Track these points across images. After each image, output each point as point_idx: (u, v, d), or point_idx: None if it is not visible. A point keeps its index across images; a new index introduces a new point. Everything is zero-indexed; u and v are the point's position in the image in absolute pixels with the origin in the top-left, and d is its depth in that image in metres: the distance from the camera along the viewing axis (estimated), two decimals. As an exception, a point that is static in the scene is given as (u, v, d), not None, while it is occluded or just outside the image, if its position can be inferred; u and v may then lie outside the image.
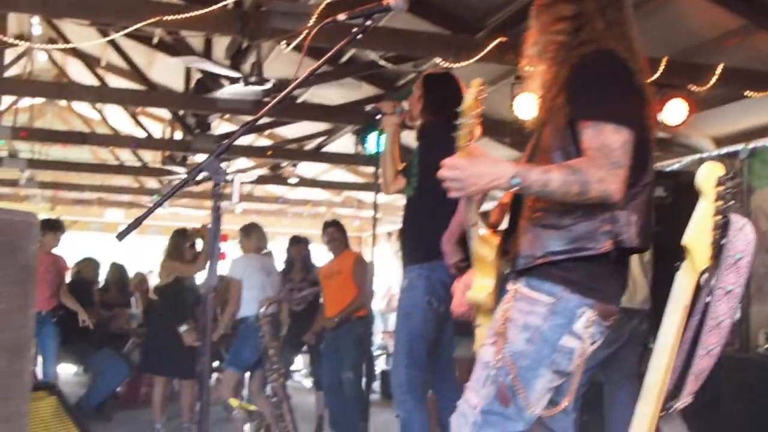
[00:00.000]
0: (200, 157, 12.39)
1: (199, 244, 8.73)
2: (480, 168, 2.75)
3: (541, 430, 3.23)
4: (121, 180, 18.39)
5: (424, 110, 5.16)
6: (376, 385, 12.02)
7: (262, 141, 14.84)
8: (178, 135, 13.23)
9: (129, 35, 8.46)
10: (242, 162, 15.64)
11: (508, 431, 2.93)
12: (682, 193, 6.71)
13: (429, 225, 4.91)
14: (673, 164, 9.75)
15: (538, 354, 2.86)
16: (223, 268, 8.82)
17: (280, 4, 6.71)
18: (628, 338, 6.09)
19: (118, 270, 11.65)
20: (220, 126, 13.66)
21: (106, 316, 10.50)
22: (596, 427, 6.53)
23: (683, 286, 2.56)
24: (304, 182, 16.05)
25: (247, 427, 4.94)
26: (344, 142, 12.52)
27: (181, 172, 13.62)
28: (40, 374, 8.88)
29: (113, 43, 10.46)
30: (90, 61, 12.23)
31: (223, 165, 2.85)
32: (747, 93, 7.50)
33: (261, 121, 2.71)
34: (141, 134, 13.38)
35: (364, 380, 7.60)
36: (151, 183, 17.97)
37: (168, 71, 11.73)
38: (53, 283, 9.21)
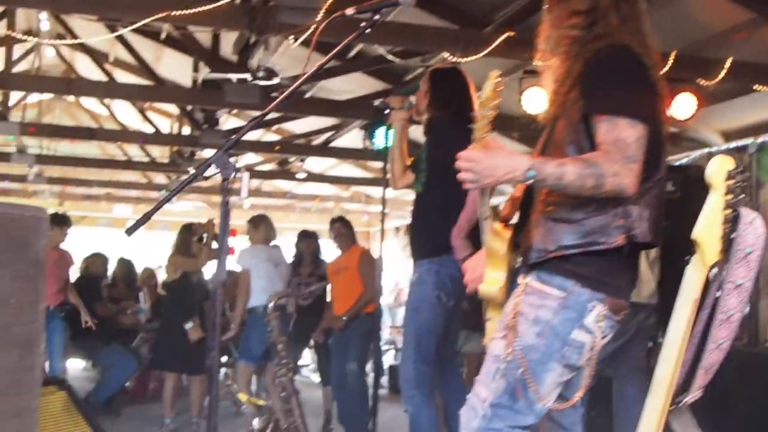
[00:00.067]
0: (208, 153, 12.41)
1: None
2: (495, 160, 2.76)
3: (550, 424, 3.24)
4: (129, 175, 18.40)
5: (430, 105, 5.17)
6: (384, 380, 12.02)
7: (270, 136, 14.84)
8: (186, 130, 13.25)
9: (137, 31, 8.47)
10: (250, 157, 15.64)
11: (517, 425, 2.93)
12: (691, 188, 6.69)
13: (438, 220, 4.93)
14: (681, 158, 9.72)
15: (548, 348, 2.86)
16: (231, 263, 8.83)
17: (287, -2, 6.73)
18: (635, 332, 6.08)
19: (125, 265, 11.66)
20: (228, 121, 13.66)
21: (114, 311, 10.51)
22: (604, 422, 6.52)
23: (693, 279, 2.55)
24: (312, 177, 16.05)
25: (256, 421, 4.95)
26: (352, 137, 12.51)
27: (189, 168, 13.63)
28: (47, 369, 8.90)
29: (121, 39, 10.47)
30: (98, 57, 12.24)
31: (232, 160, 2.85)
32: (756, 87, 7.48)
33: (269, 117, 2.72)
34: (149, 130, 13.40)
35: (372, 375, 7.59)
36: (159, 178, 17.98)
37: (176, 66, 11.76)
38: (60, 278, 9.22)
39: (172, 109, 14.25)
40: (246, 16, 6.72)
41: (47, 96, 15.55)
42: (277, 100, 3.06)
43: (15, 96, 13.22)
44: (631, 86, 2.84)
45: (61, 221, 9.34)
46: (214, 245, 8.64)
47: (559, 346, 2.86)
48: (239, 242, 9.79)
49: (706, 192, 2.53)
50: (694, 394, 2.61)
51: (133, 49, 11.12)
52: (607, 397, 6.27)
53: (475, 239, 4.63)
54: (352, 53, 9.38)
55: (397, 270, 18.27)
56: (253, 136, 13.75)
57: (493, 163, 2.75)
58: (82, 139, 14.23)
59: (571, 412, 3.15)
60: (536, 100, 7.30)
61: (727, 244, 2.50)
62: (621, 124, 2.74)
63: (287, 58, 8.87)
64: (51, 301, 8.83)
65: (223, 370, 10.71)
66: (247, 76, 8.10)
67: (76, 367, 12.16)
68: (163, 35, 10.55)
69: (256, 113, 8.37)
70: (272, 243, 9.11)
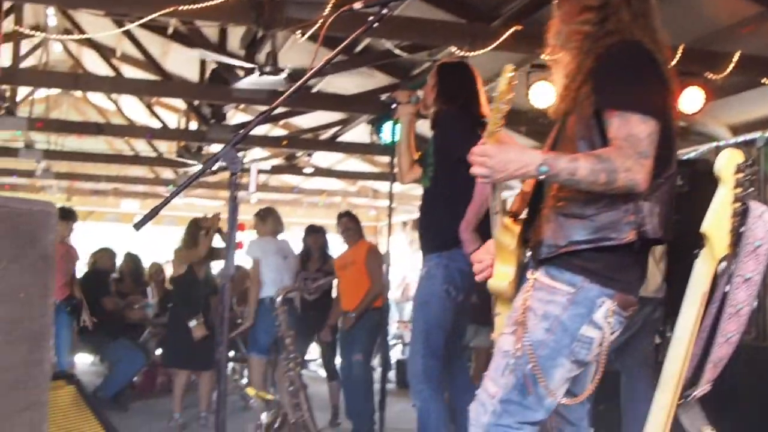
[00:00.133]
0: (215, 148, 12.43)
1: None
2: (508, 155, 2.76)
3: (557, 419, 3.23)
4: (136, 170, 18.42)
5: (437, 99, 5.16)
6: (392, 374, 12.03)
7: (277, 131, 14.84)
8: (194, 125, 13.25)
9: (144, 25, 8.46)
10: (257, 152, 15.65)
11: (527, 420, 2.93)
12: (699, 182, 6.68)
13: (446, 214, 4.93)
14: (689, 152, 9.71)
15: (557, 343, 2.87)
16: (239, 258, 8.84)
17: (295, -7, 6.72)
18: (641, 326, 6.08)
19: (132, 260, 11.67)
20: (235, 116, 13.67)
21: (122, 305, 10.53)
22: (612, 416, 6.52)
23: (702, 273, 2.55)
24: (319, 172, 16.05)
25: (264, 415, 4.95)
26: (359, 132, 12.51)
27: (196, 163, 13.64)
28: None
29: (128, 34, 10.49)
30: (105, 52, 12.25)
31: (240, 155, 2.85)
32: (764, 81, 7.47)
33: (276, 111, 2.72)
34: (156, 125, 13.40)
35: (379, 370, 7.60)
36: (167, 173, 17.99)
37: (183, 61, 11.76)
38: (67, 273, 9.23)
39: (180, 104, 14.24)
40: (253, 11, 6.72)
41: (55, 91, 15.56)
42: (285, 95, 3.05)
43: (23, 91, 13.24)
44: (643, 82, 2.84)
45: (67, 216, 9.35)
46: (218, 239, 8.67)
47: (568, 342, 2.87)
48: (247, 237, 9.79)
49: (714, 186, 2.53)
50: (702, 388, 2.61)
51: (140, 44, 11.12)
52: (615, 391, 6.27)
53: (483, 232, 4.63)
54: (359, 48, 9.37)
55: (405, 265, 18.27)
56: (260, 131, 13.76)
57: (506, 158, 2.75)
58: (90, 135, 14.25)
59: (578, 407, 3.15)
60: (544, 94, 7.30)
61: (736, 237, 2.49)
62: (633, 119, 2.74)
63: (294, 52, 8.87)
64: (57, 295, 8.83)
65: (230, 365, 10.72)
66: (254, 67, 8.09)
67: (84, 361, 12.19)
68: (170, 30, 10.54)
69: (264, 108, 8.38)
70: (280, 237, 9.11)
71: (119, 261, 11.36)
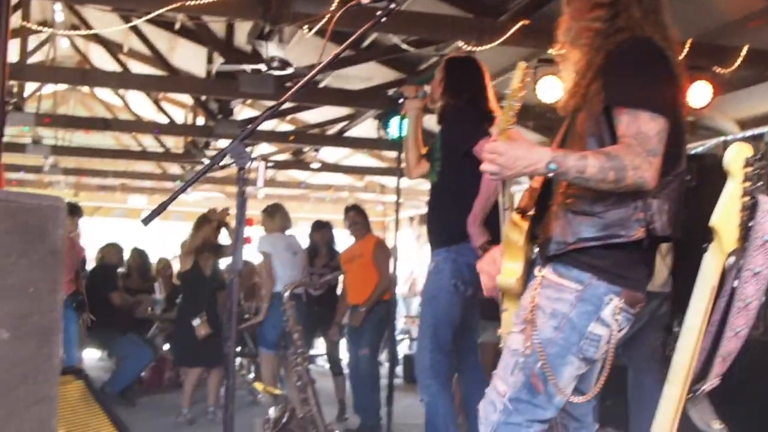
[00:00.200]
0: (222, 143, 12.44)
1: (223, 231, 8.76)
2: (518, 152, 2.75)
3: (561, 415, 3.23)
4: (143, 166, 18.46)
5: (444, 93, 5.15)
6: (399, 369, 12.03)
7: (284, 126, 14.86)
8: (201, 120, 13.28)
9: (151, 21, 8.49)
10: (264, 147, 15.67)
11: (536, 418, 2.93)
12: (707, 176, 6.66)
13: (453, 208, 4.92)
14: (697, 147, 9.70)
15: (566, 341, 2.86)
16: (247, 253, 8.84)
17: (302, -12, 6.72)
18: (648, 321, 6.07)
19: (139, 255, 11.67)
20: (242, 111, 13.68)
21: (130, 303, 10.54)
22: (619, 411, 6.52)
23: (711, 267, 2.54)
24: (326, 167, 16.06)
25: (272, 410, 4.96)
26: (366, 127, 12.51)
27: (203, 158, 13.66)
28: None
29: (135, 29, 10.49)
30: (112, 48, 12.28)
31: (248, 150, 2.85)
32: (772, 75, 7.46)
33: (283, 107, 2.72)
34: (163, 120, 13.42)
35: (387, 365, 7.61)
36: (174, 169, 18.03)
37: (190, 57, 11.77)
38: (72, 268, 9.23)
39: (187, 99, 14.28)
40: (260, 6, 6.72)
41: (62, 87, 15.60)
42: (292, 90, 3.05)
43: (30, 87, 13.27)
44: (654, 79, 2.83)
45: (73, 211, 9.36)
46: (224, 236, 8.68)
47: (576, 340, 2.86)
48: (255, 232, 9.79)
49: (722, 180, 2.52)
50: (711, 382, 2.61)
51: (148, 40, 11.14)
52: (622, 386, 6.26)
53: (490, 226, 4.63)
54: (367, 42, 9.37)
55: (412, 259, 18.28)
56: (267, 126, 13.76)
57: (515, 155, 2.74)
58: (97, 130, 14.29)
59: (582, 403, 3.14)
60: (551, 89, 7.28)
61: (745, 231, 2.49)
62: (642, 117, 2.73)
63: (301, 47, 8.87)
64: (64, 290, 8.83)
65: (238, 360, 10.73)
66: (262, 66, 8.09)
67: (91, 357, 12.21)
68: (177, 25, 10.56)
69: (271, 103, 8.38)
70: (287, 233, 9.12)
71: (126, 256, 11.36)
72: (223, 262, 9.03)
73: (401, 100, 5.38)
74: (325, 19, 6.36)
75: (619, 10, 2.95)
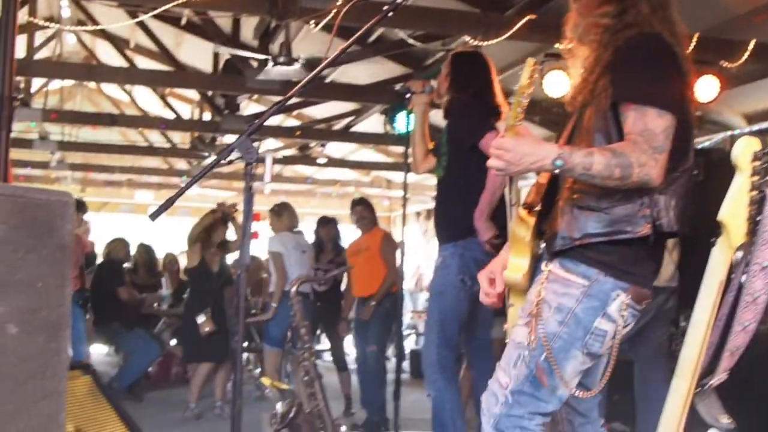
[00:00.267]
0: (229, 138, 12.44)
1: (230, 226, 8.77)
2: (525, 148, 2.75)
3: (566, 410, 3.23)
4: (150, 161, 18.49)
5: (450, 88, 5.16)
6: (406, 364, 12.05)
7: (290, 121, 14.85)
8: (207, 116, 13.28)
9: (157, 16, 8.48)
10: (271, 142, 15.68)
11: (538, 411, 2.94)
12: (713, 171, 6.66)
13: (460, 203, 4.93)
14: (704, 141, 9.67)
15: (570, 336, 2.86)
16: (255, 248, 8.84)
17: (308, -17, 6.71)
18: (655, 315, 6.07)
19: (146, 251, 11.69)
20: (248, 107, 13.69)
21: (137, 300, 10.56)
22: (626, 406, 6.51)
23: (719, 261, 2.54)
24: (333, 162, 16.07)
25: (279, 405, 4.96)
26: (372, 122, 12.51)
27: (210, 153, 13.67)
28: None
29: (142, 25, 10.50)
30: (119, 43, 12.27)
31: (255, 145, 2.85)
32: (779, 69, 7.44)
33: (289, 102, 2.72)
34: (170, 115, 13.43)
35: (394, 360, 7.63)
36: (181, 164, 18.05)
37: (196, 52, 11.77)
38: (77, 264, 9.25)
39: (193, 94, 14.29)
40: (267, 1, 6.72)
41: (69, 82, 15.60)
42: (299, 85, 3.05)
43: (37, 83, 13.28)
44: (662, 75, 2.82)
45: (77, 207, 9.36)
46: (230, 231, 8.69)
47: (581, 335, 2.87)
48: (262, 227, 9.80)
49: (729, 175, 2.51)
50: (719, 377, 2.60)
51: (154, 35, 11.15)
52: (629, 381, 6.26)
53: (497, 221, 4.64)
54: (373, 37, 9.36)
55: (418, 254, 18.28)
56: (273, 121, 13.78)
57: (521, 151, 2.74)
58: (104, 126, 14.31)
59: (588, 398, 3.14)
60: (558, 84, 7.26)
61: (753, 225, 2.48)
62: (650, 113, 2.73)
63: (308, 42, 8.87)
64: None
65: (245, 355, 10.74)
66: (268, 57, 8.09)
67: (99, 352, 12.24)
68: (183, 21, 10.56)
69: (277, 98, 8.38)
70: (296, 228, 9.12)
71: (133, 252, 11.38)
72: (230, 258, 9.04)
73: (408, 95, 5.38)
74: (331, 14, 6.36)
75: (627, 6, 2.95)
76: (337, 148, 15.84)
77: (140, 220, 18.70)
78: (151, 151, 16.61)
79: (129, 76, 11.28)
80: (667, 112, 2.74)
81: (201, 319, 8.32)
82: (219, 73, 10.54)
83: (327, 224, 9.48)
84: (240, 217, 7.95)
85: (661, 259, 3.02)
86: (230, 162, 2.94)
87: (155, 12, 7.11)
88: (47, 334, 2.38)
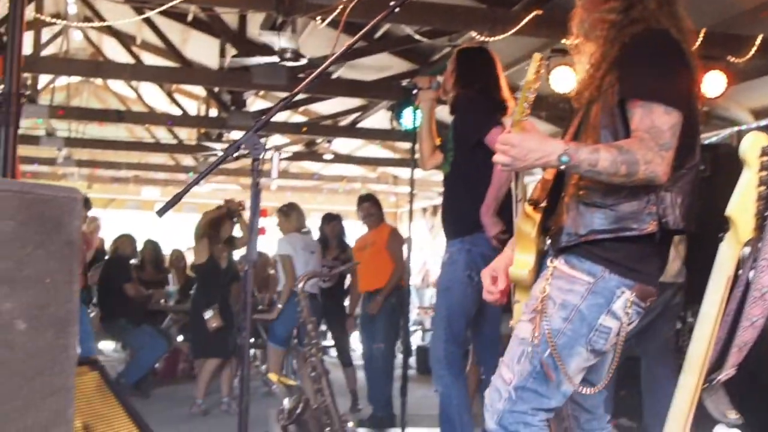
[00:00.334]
0: (235, 134, 12.45)
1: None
2: (530, 144, 2.74)
3: (572, 406, 3.23)
4: (156, 158, 18.51)
5: (456, 83, 5.16)
6: (412, 360, 12.05)
7: (296, 117, 14.87)
8: (214, 112, 13.29)
9: (164, 13, 8.49)
10: (277, 138, 15.69)
11: (541, 407, 2.93)
12: (721, 166, 6.66)
13: (467, 199, 4.93)
14: (711, 137, 9.67)
15: (575, 333, 2.86)
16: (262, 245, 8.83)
17: (315, -21, 6.71)
18: (662, 311, 6.07)
19: (153, 247, 11.71)
20: (255, 103, 13.70)
21: (145, 296, 10.57)
22: (633, 401, 6.52)
23: (727, 256, 2.53)
24: (339, 158, 16.07)
25: (286, 401, 4.96)
26: (379, 118, 12.51)
27: (216, 149, 13.68)
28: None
29: (148, 21, 10.50)
30: (125, 40, 12.29)
31: (262, 141, 2.85)
32: (787, 65, 7.42)
33: (296, 98, 2.71)
34: (176, 112, 13.45)
35: (401, 356, 7.64)
36: (187, 160, 18.07)
37: (203, 48, 11.78)
38: (82, 261, 9.27)
39: (199, 90, 14.30)
40: (273, -3, 6.72)
41: (75, 79, 15.65)
42: (306, 81, 3.04)
43: (44, 79, 13.30)
44: (669, 72, 2.82)
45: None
46: (237, 229, 8.70)
47: (586, 332, 2.86)
48: (269, 222, 9.79)
49: (737, 170, 2.51)
50: (727, 372, 2.60)
51: (160, 32, 11.15)
52: (635, 377, 6.27)
53: (504, 215, 4.64)
54: (379, 33, 9.36)
55: (425, 250, 18.28)
56: (280, 117, 13.73)
57: (527, 147, 2.73)
58: (111, 122, 14.33)
59: (594, 394, 3.14)
60: (565, 80, 7.25)
61: (762, 221, 2.48)
62: (657, 110, 2.72)
63: (314, 38, 8.87)
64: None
65: (251, 351, 10.75)
66: (275, 59, 8.09)
67: (106, 348, 12.26)
68: (189, 17, 10.57)
69: (284, 94, 8.38)
70: (304, 228, 9.11)
71: (140, 248, 11.39)
72: (237, 254, 9.04)
73: (414, 91, 5.38)
74: (338, 10, 6.36)
75: (633, 1, 2.94)
76: (343, 144, 15.84)
77: (147, 217, 18.74)
78: (157, 147, 16.64)
79: (135, 72, 11.30)
80: (674, 109, 2.73)
81: (208, 314, 8.33)
82: (225, 69, 10.54)
83: (331, 221, 9.47)
84: (246, 215, 7.96)
85: (667, 257, 3.01)
86: (237, 158, 2.94)
87: (162, 8, 7.11)
88: (55, 330, 2.38)
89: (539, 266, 3.09)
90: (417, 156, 5.51)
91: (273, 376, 6.36)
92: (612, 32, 2.94)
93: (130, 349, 10.56)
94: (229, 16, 9.96)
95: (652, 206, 2.80)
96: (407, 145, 5.96)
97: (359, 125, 13.16)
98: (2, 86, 3.73)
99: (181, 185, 10.55)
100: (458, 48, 5.52)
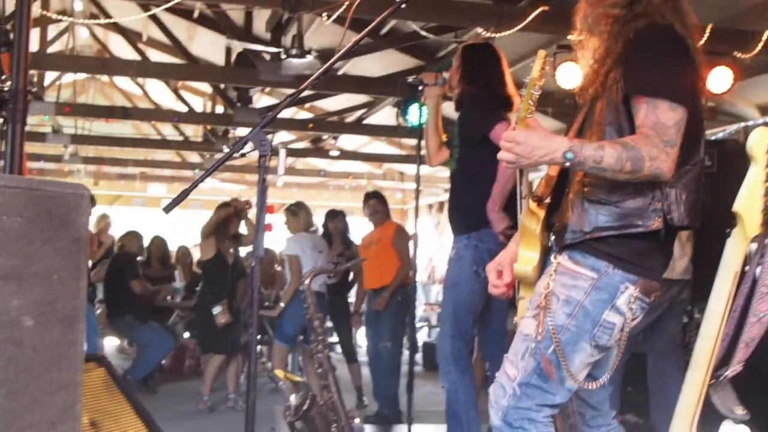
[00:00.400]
0: (241, 131, 12.46)
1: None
2: (535, 141, 2.73)
3: (578, 402, 3.23)
4: (163, 154, 18.52)
5: (461, 80, 5.16)
6: (418, 357, 12.05)
7: (302, 114, 14.86)
8: (220, 109, 13.31)
9: (170, 9, 8.49)
10: (283, 135, 15.69)
11: (546, 403, 2.93)
12: (727, 162, 6.65)
13: (473, 195, 4.93)
14: (717, 132, 9.65)
15: (579, 328, 2.86)
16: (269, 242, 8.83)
17: (321, -25, 6.71)
18: (668, 307, 6.06)
19: (159, 243, 11.72)
20: (261, 99, 13.70)
21: (151, 291, 10.58)
22: (639, 397, 6.51)
23: (734, 252, 2.53)
24: (345, 155, 16.06)
25: (293, 397, 4.96)
26: (385, 114, 12.51)
27: (222, 146, 13.69)
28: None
29: (154, 18, 10.51)
30: (131, 36, 12.30)
31: (268, 137, 2.85)
32: (793, 60, 7.40)
33: (302, 94, 2.69)
34: (182, 108, 13.45)
35: (407, 352, 7.63)
36: (193, 157, 18.08)
37: (209, 45, 11.78)
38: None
39: (206, 87, 14.31)
40: (279, -6, 6.72)
41: (81, 76, 15.65)
42: (312, 78, 3.05)
43: (50, 76, 13.32)
44: (673, 68, 2.81)
45: (87, 201, 9.38)
46: (243, 226, 8.71)
47: (589, 327, 2.86)
48: (275, 219, 9.80)
49: (743, 165, 2.51)
50: (734, 368, 2.60)
51: (166, 28, 11.16)
52: (642, 373, 6.26)
53: (510, 211, 4.63)
54: (385, 30, 9.35)
55: (431, 247, 18.28)
56: (285, 114, 13.77)
57: (532, 144, 2.73)
58: (117, 119, 14.33)
59: (599, 390, 3.13)
60: (571, 76, 7.24)
61: (769, 216, 2.48)
62: (661, 106, 2.72)
63: (320, 35, 8.87)
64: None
65: (258, 348, 10.75)
66: (281, 51, 8.09)
67: (112, 344, 12.28)
68: (195, 13, 10.57)
69: (290, 91, 8.38)
70: (312, 227, 9.11)
71: (146, 245, 11.41)
72: (243, 251, 9.05)
73: (420, 88, 5.38)
74: (344, 7, 6.35)
75: None
76: (349, 141, 15.84)
77: (153, 213, 18.77)
78: (163, 144, 16.63)
79: (141, 69, 11.31)
80: (678, 106, 2.73)
81: (217, 309, 8.34)
82: (231, 66, 10.54)
83: (335, 217, 9.46)
84: (253, 213, 7.97)
85: (671, 252, 3.01)
86: (243, 155, 2.94)
87: (168, 5, 7.11)
88: (63, 327, 2.39)
89: (543, 263, 3.09)
90: (423, 152, 5.51)
91: (279, 373, 6.36)
92: (616, 27, 2.93)
93: (136, 346, 10.58)
94: (235, 13, 9.97)
95: (657, 203, 2.79)
96: (413, 141, 5.95)
97: (365, 122, 13.15)
98: (9, 83, 3.74)
99: (188, 182, 10.58)
100: (463, 44, 5.52)
